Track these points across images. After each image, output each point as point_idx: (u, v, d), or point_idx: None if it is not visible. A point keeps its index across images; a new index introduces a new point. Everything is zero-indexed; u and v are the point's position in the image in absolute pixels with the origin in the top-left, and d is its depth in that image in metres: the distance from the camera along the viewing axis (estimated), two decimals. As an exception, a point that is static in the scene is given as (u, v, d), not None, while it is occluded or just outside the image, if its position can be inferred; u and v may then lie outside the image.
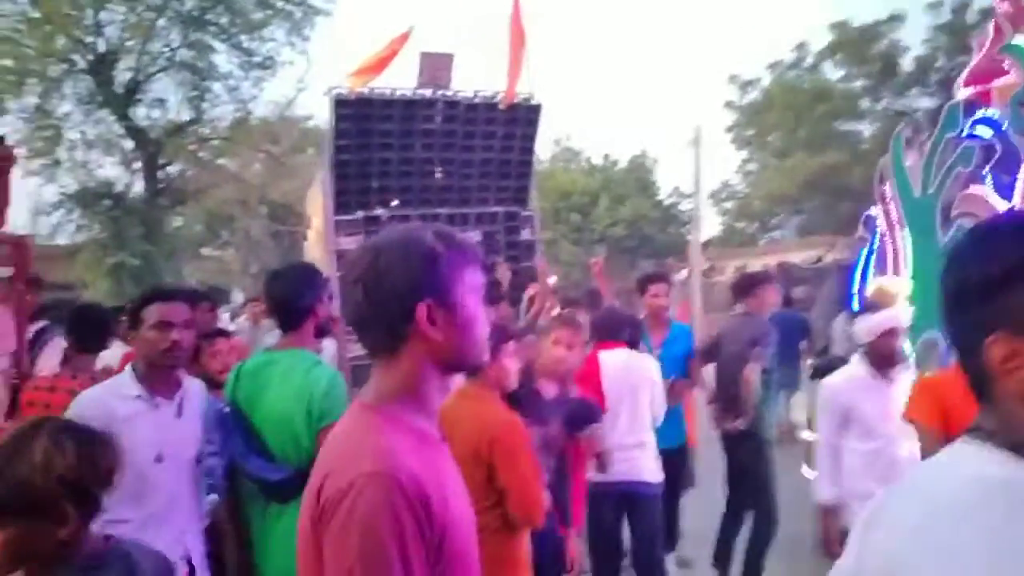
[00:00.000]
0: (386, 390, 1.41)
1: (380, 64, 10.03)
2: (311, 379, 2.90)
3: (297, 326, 3.08)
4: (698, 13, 76.36)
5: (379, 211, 10.41)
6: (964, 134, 4.09)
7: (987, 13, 3.75)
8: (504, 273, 7.92)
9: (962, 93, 4.36)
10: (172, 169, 24.54)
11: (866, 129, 26.00)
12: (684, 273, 28.28)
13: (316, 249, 11.97)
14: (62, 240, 22.54)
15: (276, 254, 30.82)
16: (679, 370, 5.21)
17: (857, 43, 25.86)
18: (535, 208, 11.33)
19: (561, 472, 3.43)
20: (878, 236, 4.87)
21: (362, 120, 10.02)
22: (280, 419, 2.90)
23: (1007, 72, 3.90)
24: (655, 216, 32.36)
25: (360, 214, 10.33)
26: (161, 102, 22.86)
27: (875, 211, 4.89)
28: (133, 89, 22.20)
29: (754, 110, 29.00)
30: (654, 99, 69.37)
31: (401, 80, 10.25)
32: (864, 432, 3.45)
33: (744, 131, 30.42)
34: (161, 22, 21.37)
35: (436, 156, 10.56)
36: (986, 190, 3.89)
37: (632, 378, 4.35)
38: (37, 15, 19.49)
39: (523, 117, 10.53)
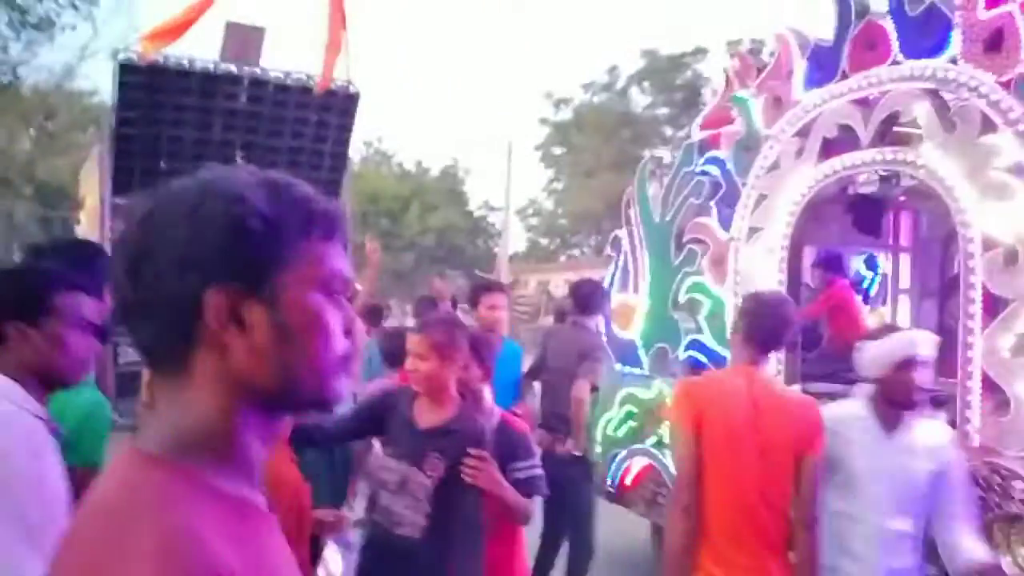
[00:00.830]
0: (177, 431, 0.82)
1: (178, 30, 8.78)
2: (58, 401, 2.08)
3: None
4: (517, 26, 77.23)
5: (167, 196, 9.12)
6: (697, 170, 4.68)
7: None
8: (441, 287, 6.79)
9: (698, 134, 4.92)
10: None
11: (666, 156, 27.22)
12: (491, 285, 28.25)
13: (89, 235, 10.38)
14: None
15: (44, 241, 27.25)
16: (509, 399, 4.20)
17: (664, 71, 27.07)
18: (347, 205, 10.48)
19: (474, 539, 2.57)
20: (623, 256, 5.28)
21: (152, 91, 8.74)
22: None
23: (733, 120, 4.58)
24: (465, 227, 32.15)
25: (143, 197, 9.01)
26: (-95, 55, 19.47)
27: (621, 233, 5.27)
28: None
29: (566, 128, 29.42)
30: (469, 108, 69.02)
31: (202, 51, 9.08)
32: (846, 489, 2.64)
33: (552, 150, 30.95)
34: (-89, -38, 18.19)
35: (237, 138, 9.45)
36: (711, 221, 4.54)
37: None
38: None
39: (339, 106, 9.68)
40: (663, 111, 28.17)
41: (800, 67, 4.10)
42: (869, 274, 6.30)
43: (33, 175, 23.77)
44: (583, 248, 32.60)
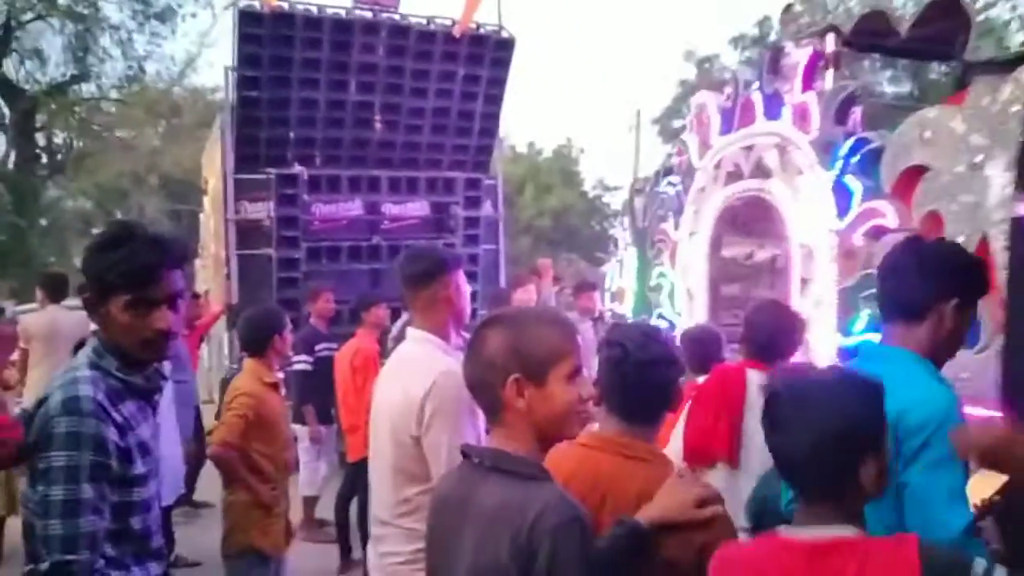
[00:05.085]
0: None
1: (304, -32, 7.04)
2: None
3: None
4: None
5: (296, 169, 7.41)
6: (660, 190, 6.22)
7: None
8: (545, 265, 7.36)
9: (673, 160, 6.21)
10: (55, 137, 20.55)
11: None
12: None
13: (212, 220, 8.88)
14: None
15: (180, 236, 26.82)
16: None
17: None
18: (499, 176, 8.58)
19: None
20: (619, 252, 7.01)
21: (278, 45, 7.02)
22: None
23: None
24: (581, 208, 30.04)
25: (271, 172, 7.31)
26: (38, 54, 18.86)
27: (617, 233, 7.25)
28: (3, 38, 18.16)
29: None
30: (583, 85, 62.95)
31: (333, -7, 7.31)
32: None
33: (672, 123, 28.16)
34: (39, -38, 17.44)
35: (377, 100, 7.64)
36: (669, 226, 5.95)
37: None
38: None
39: (491, 55, 7.73)
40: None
41: (716, 120, 5.44)
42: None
43: (160, 168, 23.06)
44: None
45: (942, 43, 4.30)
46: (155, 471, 2.00)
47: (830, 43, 4.62)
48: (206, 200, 9.95)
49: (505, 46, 7.75)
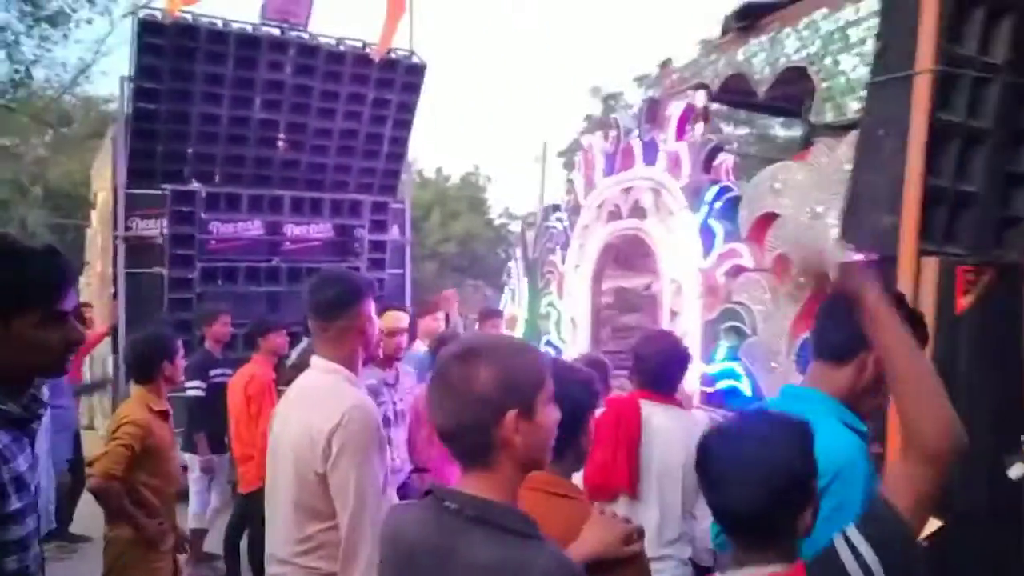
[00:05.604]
0: None
1: (210, -18, 6.85)
2: None
3: None
4: (547, 25, 69.07)
5: (194, 185, 7.12)
6: (549, 224, 6.45)
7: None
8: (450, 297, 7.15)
9: (563, 197, 6.63)
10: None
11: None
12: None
13: (100, 236, 8.39)
14: None
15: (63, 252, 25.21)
16: None
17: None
18: (407, 200, 8.50)
19: None
20: (512, 281, 7.09)
21: (180, 57, 6.78)
22: None
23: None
24: (487, 235, 30.15)
25: (167, 188, 6.99)
26: (-91, 51, 17.52)
27: (511, 265, 7.14)
28: None
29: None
30: (493, 112, 63.15)
31: (240, 9, 7.13)
32: None
33: (575, 155, 28.71)
34: (-85, -48, 16.28)
35: (282, 119, 7.46)
36: (557, 258, 6.23)
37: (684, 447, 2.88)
38: None
39: (401, 80, 7.70)
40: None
41: (600, 162, 5.73)
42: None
43: (44, 179, 21.76)
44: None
45: (796, 103, 4.85)
46: (33, 506, 1.85)
47: (700, 98, 5.04)
48: (94, 214, 9.41)
49: (416, 71, 7.75)
